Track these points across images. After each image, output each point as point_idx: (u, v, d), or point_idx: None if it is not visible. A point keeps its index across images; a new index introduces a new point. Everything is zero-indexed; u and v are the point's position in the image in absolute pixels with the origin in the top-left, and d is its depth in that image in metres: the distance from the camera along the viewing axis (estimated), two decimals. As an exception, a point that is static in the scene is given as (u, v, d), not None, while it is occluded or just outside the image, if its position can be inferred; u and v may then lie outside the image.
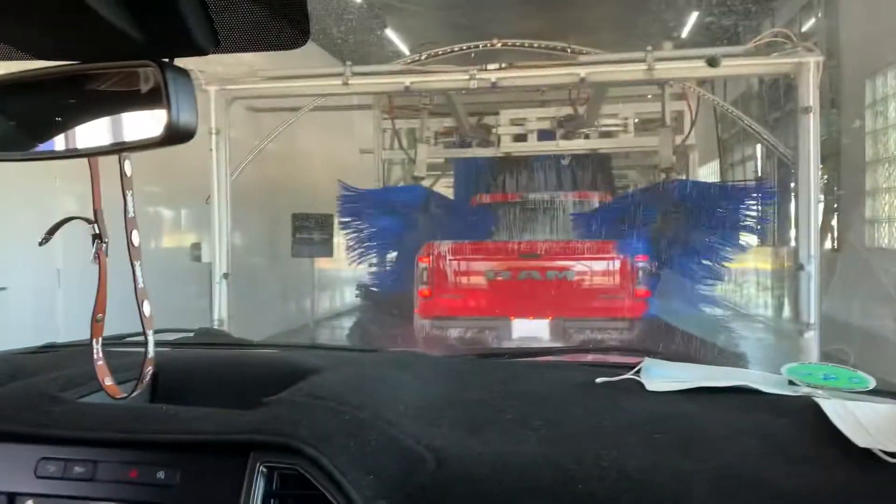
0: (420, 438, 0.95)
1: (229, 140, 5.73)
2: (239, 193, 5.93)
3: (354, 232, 6.65)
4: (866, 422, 1.02)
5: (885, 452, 0.92)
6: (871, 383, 1.21)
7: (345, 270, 12.86)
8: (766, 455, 0.95)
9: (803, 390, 1.22)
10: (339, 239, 10.34)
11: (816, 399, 1.14)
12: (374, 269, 6.90)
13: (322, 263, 11.23)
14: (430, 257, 5.91)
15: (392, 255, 6.85)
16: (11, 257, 5.17)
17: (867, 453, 0.93)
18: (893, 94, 7.82)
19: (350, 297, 13.21)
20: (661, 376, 1.26)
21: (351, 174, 10.59)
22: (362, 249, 6.83)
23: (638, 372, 1.29)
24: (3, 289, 5.09)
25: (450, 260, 5.86)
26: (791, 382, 1.26)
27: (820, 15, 9.12)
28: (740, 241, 5.85)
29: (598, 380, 1.25)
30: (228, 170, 5.66)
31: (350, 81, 5.46)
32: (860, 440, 0.95)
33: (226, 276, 5.51)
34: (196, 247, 6.01)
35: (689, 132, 6.38)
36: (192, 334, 1.75)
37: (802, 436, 1.01)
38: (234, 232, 6.19)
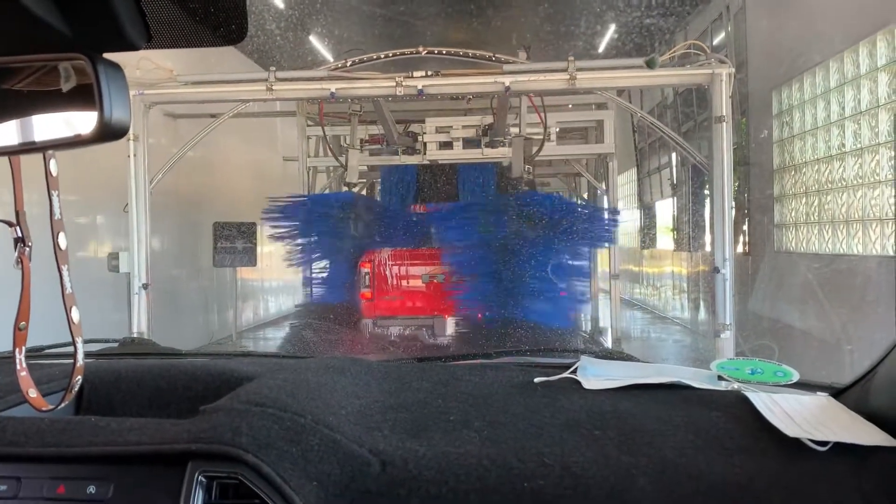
0: (363, 442, 0.93)
1: (148, 147, 5.54)
2: (159, 203, 5.75)
3: (288, 240, 6.60)
4: (793, 413, 1.07)
5: (813, 441, 0.96)
6: (795, 376, 1.27)
7: (268, 280, 12.67)
8: (702, 447, 0.98)
9: (732, 385, 1.26)
10: (263, 248, 10.18)
11: (745, 392, 1.19)
12: (310, 275, 6.86)
13: (245, 273, 11.00)
14: (371, 263, 6.40)
15: (328, 261, 6.83)
16: None
17: (796, 442, 0.97)
18: (798, 104, 8.25)
19: (274, 306, 13.01)
20: (597, 375, 1.28)
21: (273, 182, 10.45)
22: (300, 257, 6.80)
23: (574, 371, 1.31)
24: None
25: (389, 265, 6.38)
26: (720, 378, 1.30)
27: (729, 28, 9.54)
28: (578, 254, 6.16)
29: (537, 379, 1.26)
30: (147, 177, 5.47)
31: (274, 87, 5.36)
32: (789, 430, 0.99)
33: (145, 286, 5.31)
34: (113, 257, 5.78)
35: (541, 146, 6.51)
36: (116, 344, 1.67)
37: (734, 428, 1.05)
38: (154, 242, 5.99)
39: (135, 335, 5.31)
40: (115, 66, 0.72)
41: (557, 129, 7.71)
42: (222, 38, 0.80)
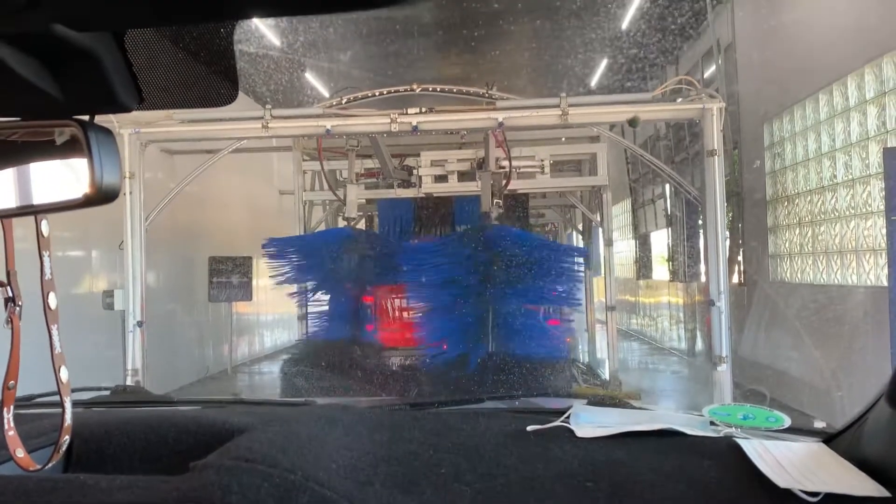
0: (353, 498, 0.93)
1: (144, 181, 5.56)
2: (154, 238, 5.75)
3: (286, 278, 6.61)
4: (784, 461, 1.06)
5: (805, 492, 0.96)
6: (786, 422, 1.27)
7: (264, 314, 12.64)
8: (694, 498, 0.98)
9: (724, 431, 1.26)
10: (259, 282, 10.17)
11: (737, 439, 1.19)
12: (313, 312, 6.87)
13: (240, 307, 10.98)
14: (374, 297, 6.62)
15: (329, 296, 6.86)
16: None
17: (788, 493, 0.97)
18: (789, 136, 8.34)
19: (269, 340, 12.96)
20: (590, 422, 1.28)
21: (269, 216, 10.47)
22: (301, 293, 6.85)
23: (567, 418, 1.30)
24: None
25: (390, 299, 6.60)
26: (712, 423, 1.30)
27: (720, 62, 9.67)
28: (540, 290, 6.19)
29: (529, 428, 1.25)
30: (143, 214, 5.48)
31: (270, 125, 5.41)
32: (781, 481, 0.99)
33: (140, 324, 5.29)
34: (108, 294, 5.76)
35: (508, 180, 6.56)
36: (107, 392, 1.66)
37: (726, 477, 1.05)
38: (149, 277, 5.98)
39: (129, 372, 5.29)
40: (106, 132, 0.74)
41: (551, 162, 7.75)
42: (213, 100, 0.81)
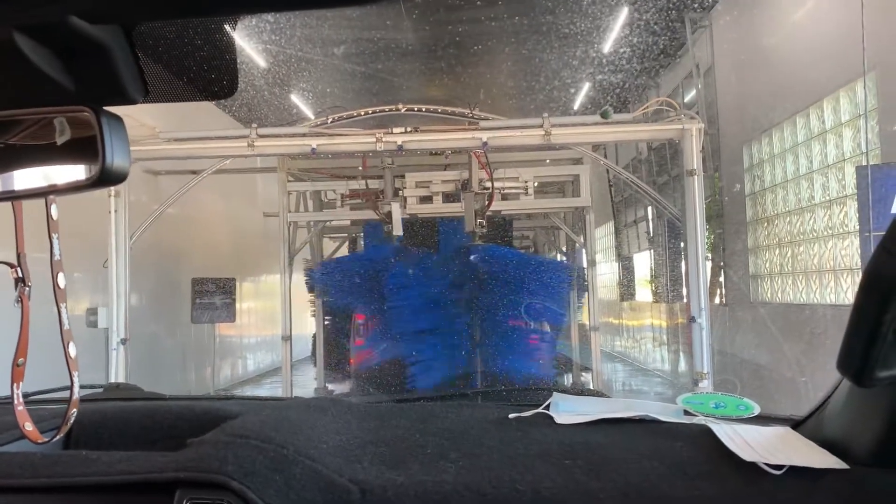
0: (343, 472, 0.97)
1: (129, 203, 5.59)
2: (137, 259, 5.77)
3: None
4: (753, 442, 1.12)
5: (769, 465, 1.02)
6: (756, 410, 1.33)
7: (248, 336, 12.58)
8: (667, 474, 1.03)
9: (697, 419, 1.32)
10: (242, 304, 10.14)
11: (709, 425, 1.24)
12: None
13: (224, 329, 10.93)
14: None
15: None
16: None
17: (755, 468, 1.02)
18: (768, 158, 8.51)
19: (253, 364, 12.89)
20: (569, 410, 1.33)
21: (253, 236, 10.47)
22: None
23: (548, 407, 1.36)
24: None
25: None
26: (686, 412, 1.36)
27: (700, 86, 9.87)
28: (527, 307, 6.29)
29: (511, 415, 1.31)
30: (127, 233, 5.50)
31: (256, 143, 5.46)
32: (747, 455, 1.04)
33: (123, 342, 5.29)
34: (92, 312, 5.75)
35: (490, 202, 6.74)
36: (101, 390, 1.69)
37: (698, 456, 1.10)
38: (132, 297, 5.98)
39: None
40: (117, 117, 0.79)
41: (535, 184, 7.84)
42: (214, 93, 0.87)
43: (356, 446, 1.09)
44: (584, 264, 9.13)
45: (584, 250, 9.26)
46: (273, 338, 9.38)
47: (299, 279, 7.97)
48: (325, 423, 1.18)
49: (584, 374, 8.35)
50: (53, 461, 0.91)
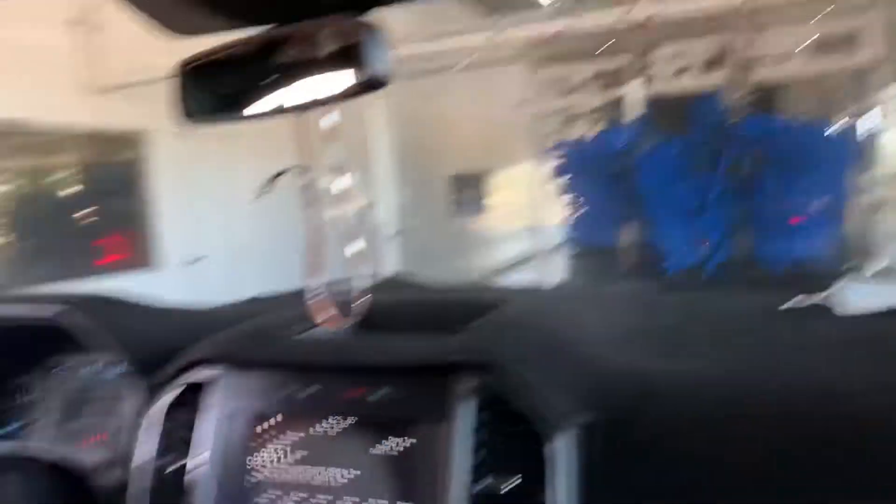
0: (610, 358, 0.97)
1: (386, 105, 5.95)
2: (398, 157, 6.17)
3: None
4: None
5: None
6: None
7: (498, 228, 13.01)
8: None
9: None
10: (494, 198, 10.43)
11: None
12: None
13: (480, 222, 11.37)
14: None
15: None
16: (206, 229, 5.79)
17: None
18: None
19: (507, 253, 13.31)
20: (853, 299, 1.20)
21: (503, 130, 10.57)
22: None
23: (826, 298, 1.24)
24: (201, 258, 5.70)
25: None
26: None
27: None
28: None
29: (787, 303, 1.21)
30: (388, 135, 5.90)
31: (499, 36, 5.43)
32: None
33: (397, 233, 5.86)
34: (365, 208, 6.33)
35: None
36: (380, 280, 1.86)
37: None
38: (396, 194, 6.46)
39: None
40: (376, 25, 0.82)
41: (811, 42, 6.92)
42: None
43: (625, 335, 1.09)
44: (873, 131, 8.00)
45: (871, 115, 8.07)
46: (525, 231, 9.57)
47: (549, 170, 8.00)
48: (590, 311, 1.19)
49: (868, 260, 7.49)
50: (357, 345, 1.02)
